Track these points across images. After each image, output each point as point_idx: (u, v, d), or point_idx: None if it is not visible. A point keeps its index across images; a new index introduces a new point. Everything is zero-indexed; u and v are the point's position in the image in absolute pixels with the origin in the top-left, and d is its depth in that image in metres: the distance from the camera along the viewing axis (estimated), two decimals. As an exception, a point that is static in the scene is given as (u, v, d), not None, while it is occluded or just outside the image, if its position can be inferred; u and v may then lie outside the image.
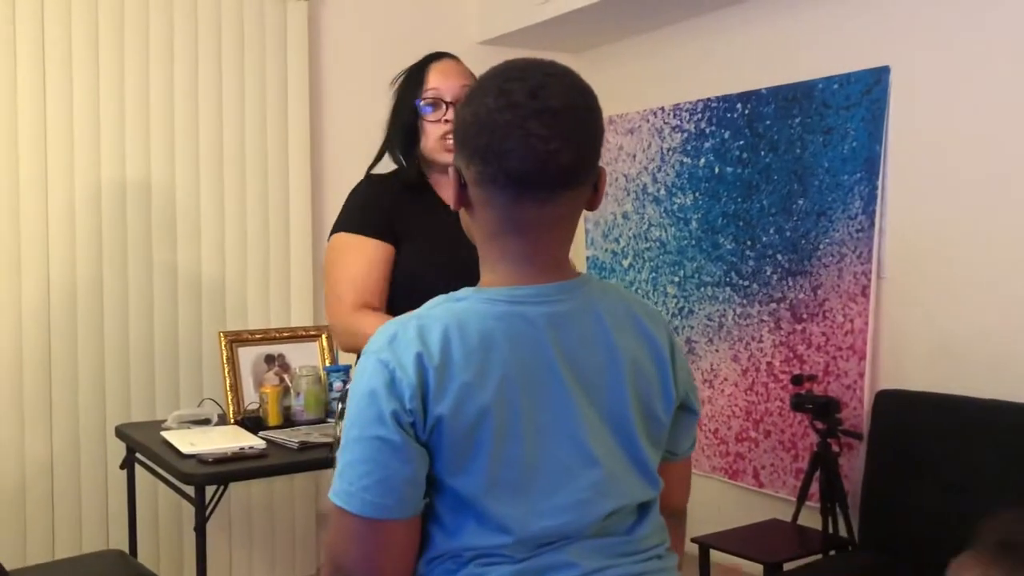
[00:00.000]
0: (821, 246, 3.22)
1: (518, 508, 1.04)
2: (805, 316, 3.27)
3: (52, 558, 3.11)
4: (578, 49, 4.21)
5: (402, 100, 2.02)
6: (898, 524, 2.74)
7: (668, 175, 3.85)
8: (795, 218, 3.31)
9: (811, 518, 2.99)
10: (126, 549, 3.10)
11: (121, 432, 3.05)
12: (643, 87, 3.95)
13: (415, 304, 1.65)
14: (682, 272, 3.79)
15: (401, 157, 2.05)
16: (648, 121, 3.95)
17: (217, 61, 3.43)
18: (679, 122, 3.81)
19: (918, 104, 2.95)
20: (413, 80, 2.00)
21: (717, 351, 3.64)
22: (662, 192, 3.88)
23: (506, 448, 1.04)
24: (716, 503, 3.59)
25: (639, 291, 3.99)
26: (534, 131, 1.03)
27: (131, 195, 3.30)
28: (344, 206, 2.05)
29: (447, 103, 1.96)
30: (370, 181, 2.08)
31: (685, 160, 3.77)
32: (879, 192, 3.04)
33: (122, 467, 3.05)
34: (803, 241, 3.29)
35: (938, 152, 2.90)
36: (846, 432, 2.93)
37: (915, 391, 2.83)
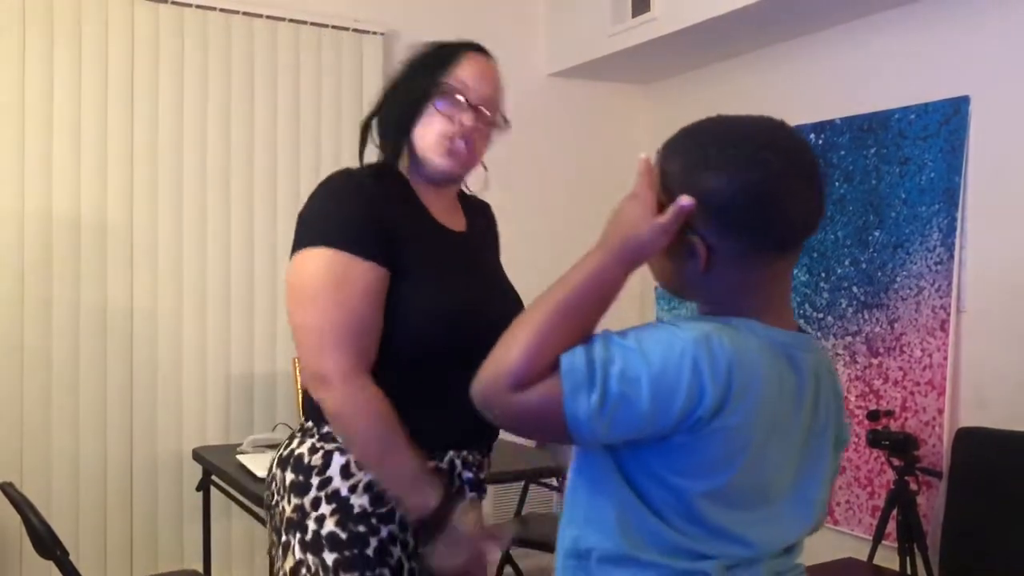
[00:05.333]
0: (898, 279, 3.15)
1: (738, 526, 1.08)
2: (882, 350, 3.20)
3: (130, 577, 3.21)
4: (648, 80, 4.22)
5: (415, 74, 1.56)
6: (981, 566, 2.64)
7: (739, 206, 3.82)
8: (871, 250, 3.25)
9: (888, 558, 2.90)
10: (200, 569, 3.17)
11: (198, 455, 3.13)
12: (714, 117, 3.93)
13: (414, 365, 1.49)
14: (753, 303, 3.74)
15: (383, 141, 1.59)
16: (719, 151, 3.92)
17: (295, 94, 3.54)
18: (751, 152, 3.78)
19: (999, 134, 2.88)
20: (439, 59, 1.56)
21: (789, 384, 3.57)
22: (733, 223, 3.84)
23: (747, 474, 1.06)
24: (788, 540, 3.51)
25: (709, 322, 3.95)
26: (802, 195, 1.07)
27: (211, 231, 3.40)
28: (323, 208, 1.51)
29: (470, 105, 1.53)
30: (359, 176, 1.56)
31: (757, 190, 3.74)
32: (958, 224, 2.97)
33: (198, 489, 3.12)
34: (879, 273, 3.22)
35: (1020, 183, 2.83)
36: (925, 470, 2.85)
37: (998, 429, 2.74)
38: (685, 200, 1.05)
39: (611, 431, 1.01)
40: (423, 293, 1.47)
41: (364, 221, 1.46)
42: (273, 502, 1.53)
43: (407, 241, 1.49)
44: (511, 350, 1.02)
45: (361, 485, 1.46)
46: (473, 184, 1.70)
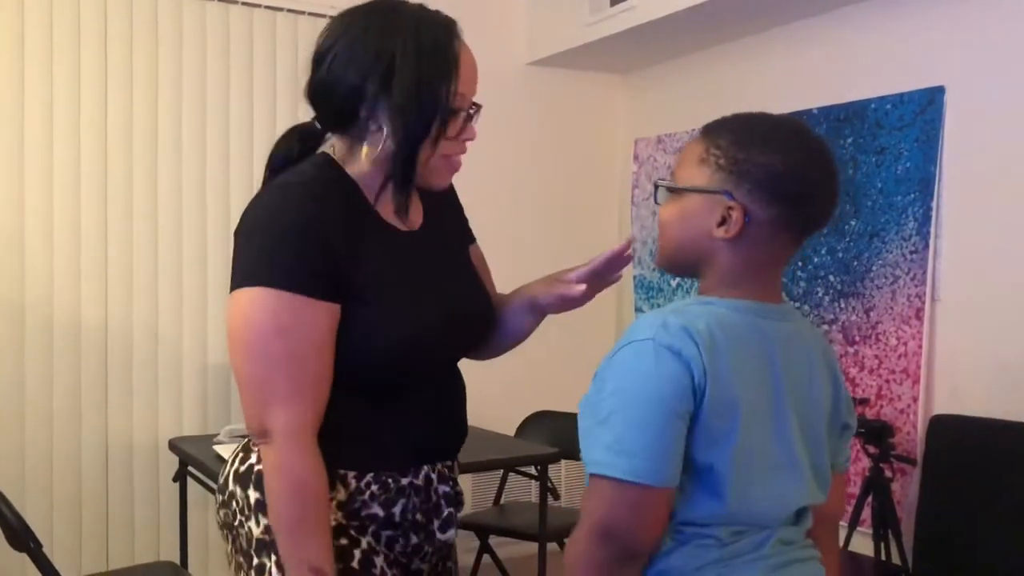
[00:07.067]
0: (874, 267, 3.18)
1: (750, 492, 1.14)
2: (857, 339, 3.22)
3: (106, 568, 3.17)
4: (626, 70, 4.22)
5: (429, 81, 1.33)
6: (954, 552, 2.67)
7: (717, 195, 3.83)
8: (847, 239, 3.27)
9: (863, 544, 2.93)
10: (177, 561, 3.15)
11: (174, 446, 3.10)
12: (691, 107, 3.94)
13: (376, 386, 1.40)
14: (731, 293, 3.75)
15: (400, 153, 1.35)
16: (697, 141, 3.93)
17: (248, 80, 3.49)
18: (728, 142, 3.79)
19: (974, 124, 2.90)
20: (443, 62, 1.35)
21: (766, 373, 3.59)
22: (711, 212, 3.85)
23: (747, 438, 1.13)
24: (765, 527, 3.54)
25: (687, 311, 3.96)
26: (834, 188, 1.21)
27: (187, 213, 3.37)
28: (263, 240, 1.32)
29: (469, 115, 1.40)
30: (299, 192, 1.33)
31: (734, 180, 3.75)
32: (934, 213, 2.99)
33: (175, 480, 3.10)
34: (855, 262, 3.24)
35: (994, 172, 2.85)
36: (899, 457, 2.88)
37: (972, 416, 2.77)
38: None
39: (681, 464, 1.10)
40: (380, 317, 1.34)
41: (310, 254, 1.29)
42: (236, 522, 1.40)
43: (357, 261, 1.34)
44: None
45: (334, 503, 1.36)
46: None
